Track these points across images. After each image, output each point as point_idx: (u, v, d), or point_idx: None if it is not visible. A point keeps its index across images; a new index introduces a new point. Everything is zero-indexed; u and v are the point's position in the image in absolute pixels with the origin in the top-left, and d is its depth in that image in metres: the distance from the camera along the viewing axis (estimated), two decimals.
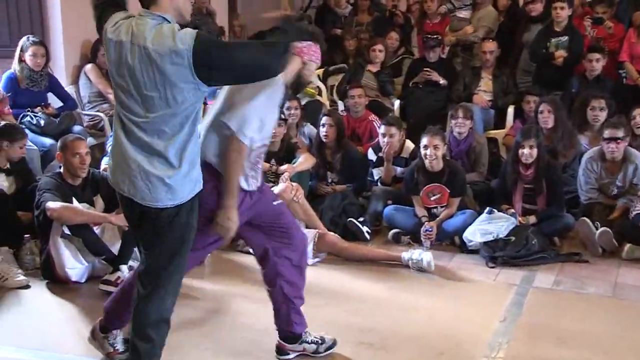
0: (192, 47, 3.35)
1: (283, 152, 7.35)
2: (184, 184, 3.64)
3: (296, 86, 4.20)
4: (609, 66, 8.47)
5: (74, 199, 5.68)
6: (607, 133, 6.92)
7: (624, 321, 5.26)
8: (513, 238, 6.44)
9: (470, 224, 6.63)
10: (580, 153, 7.44)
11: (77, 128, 7.50)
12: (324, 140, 7.51)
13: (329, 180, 7.57)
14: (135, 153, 3.56)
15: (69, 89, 8.22)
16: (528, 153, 6.72)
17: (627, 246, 6.52)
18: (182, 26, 3.50)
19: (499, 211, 6.74)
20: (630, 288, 5.92)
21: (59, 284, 5.59)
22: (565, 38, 8.48)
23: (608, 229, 6.56)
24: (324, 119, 7.55)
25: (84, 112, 8.23)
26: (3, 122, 6.71)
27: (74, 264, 5.57)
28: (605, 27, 8.64)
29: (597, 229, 6.57)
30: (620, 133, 6.86)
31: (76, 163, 5.76)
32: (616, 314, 5.38)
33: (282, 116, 7.44)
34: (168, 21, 3.52)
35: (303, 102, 8.31)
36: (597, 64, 8.20)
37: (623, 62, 8.47)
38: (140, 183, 3.57)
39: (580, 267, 6.32)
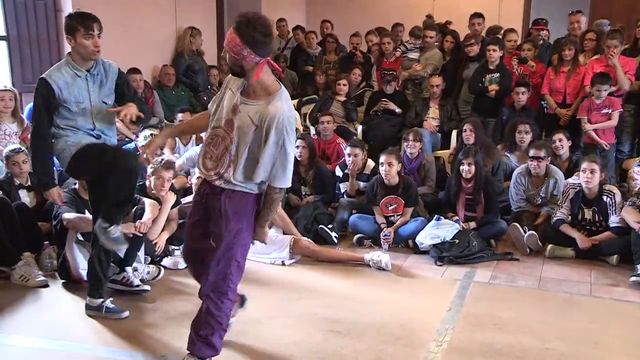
0: None
1: None
2: None
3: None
4: (533, 98, 8.49)
5: (86, 211, 5.55)
6: (531, 152, 7.04)
7: (548, 309, 5.27)
8: (457, 241, 6.44)
9: (421, 229, 6.61)
10: (499, 163, 7.56)
11: None
12: (299, 159, 7.45)
13: (303, 193, 7.52)
14: None
15: None
16: (467, 169, 6.75)
17: (549, 246, 6.58)
18: None
19: (445, 218, 6.74)
20: (552, 281, 5.94)
21: (73, 283, 5.48)
22: (497, 75, 8.50)
23: (534, 233, 6.63)
24: (298, 142, 7.45)
25: None
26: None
27: (86, 266, 5.40)
28: (529, 65, 8.68)
29: (525, 232, 6.61)
30: (542, 153, 6.96)
31: None
32: (541, 303, 5.39)
33: None
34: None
35: None
36: (522, 96, 8.24)
37: (544, 94, 8.48)
38: None
39: (512, 264, 6.33)
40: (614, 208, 6.47)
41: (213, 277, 3.92)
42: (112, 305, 4.90)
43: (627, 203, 6.39)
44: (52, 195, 4.76)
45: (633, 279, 5.86)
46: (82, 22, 4.41)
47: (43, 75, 4.46)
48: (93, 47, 4.44)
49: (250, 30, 3.51)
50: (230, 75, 3.87)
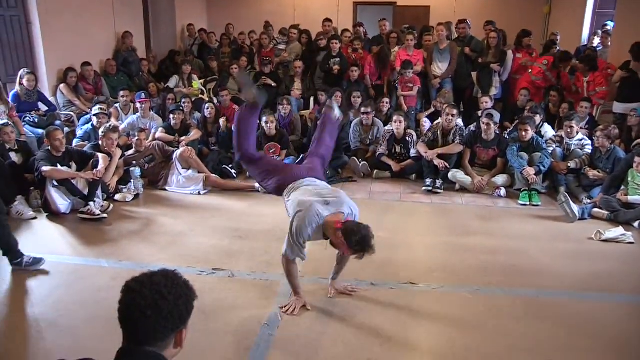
0: None
1: (182, 129, 7.19)
2: None
3: None
4: (362, 75, 8.62)
5: (58, 164, 5.39)
6: (362, 109, 7.23)
7: (375, 211, 5.53)
8: None
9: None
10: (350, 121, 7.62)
11: (57, 123, 6.98)
12: (208, 117, 7.40)
13: (211, 142, 7.46)
14: None
15: (51, 99, 7.64)
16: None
17: (375, 171, 6.82)
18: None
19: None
20: (377, 193, 6.21)
21: (54, 215, 5.32)
22: (338, 59, 8.61)
23: (366, 163, 6.87)
24: (206, 106, 7.46)
25: (61, 112, 7.68)
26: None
27: (62, 202, 5.31)
28: (359, 54, 8.81)
29: (360, 163, 6.84)
30: (369, 109, 7.17)
31: (57, 144, 5.46)
32: (371, 207, 5.57)
33: (181, 107, 7.32)
34: None
35: (193, 99, 8.12)
36: (355, 73, 8.34)
37: (365, 74, 8.54)
38: None
39: (352, 184, 6.55)
40: (413, 144, 6.83)
41: None
42: (30, 259, 4.17)
43: (420, 140, 6.76)
44: None
45: (423, 188, 6.27)
46: None
47: None
48: None
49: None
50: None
